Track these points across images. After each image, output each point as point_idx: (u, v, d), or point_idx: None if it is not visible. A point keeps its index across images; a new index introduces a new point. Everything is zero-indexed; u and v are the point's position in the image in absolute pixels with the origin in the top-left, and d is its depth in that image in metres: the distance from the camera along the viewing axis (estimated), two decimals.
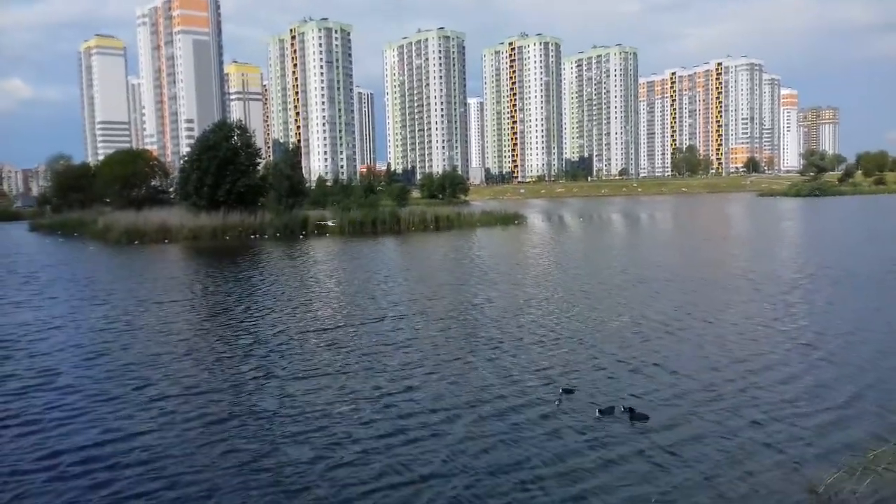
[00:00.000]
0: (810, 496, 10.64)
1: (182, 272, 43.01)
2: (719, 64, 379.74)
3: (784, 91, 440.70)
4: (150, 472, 12.03)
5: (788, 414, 14.34)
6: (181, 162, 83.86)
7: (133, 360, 19.63)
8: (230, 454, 12.72)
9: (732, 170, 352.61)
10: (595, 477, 11.63)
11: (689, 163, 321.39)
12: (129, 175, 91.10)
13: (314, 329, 23.38)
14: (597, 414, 14.29)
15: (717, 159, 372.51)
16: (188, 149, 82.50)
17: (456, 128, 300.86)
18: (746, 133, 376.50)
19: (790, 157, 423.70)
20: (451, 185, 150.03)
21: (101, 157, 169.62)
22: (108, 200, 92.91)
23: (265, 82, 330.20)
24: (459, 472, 11.84)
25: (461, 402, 15.40)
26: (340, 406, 15.21)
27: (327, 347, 20.73)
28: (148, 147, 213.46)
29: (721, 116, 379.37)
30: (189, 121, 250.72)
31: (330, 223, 71.05)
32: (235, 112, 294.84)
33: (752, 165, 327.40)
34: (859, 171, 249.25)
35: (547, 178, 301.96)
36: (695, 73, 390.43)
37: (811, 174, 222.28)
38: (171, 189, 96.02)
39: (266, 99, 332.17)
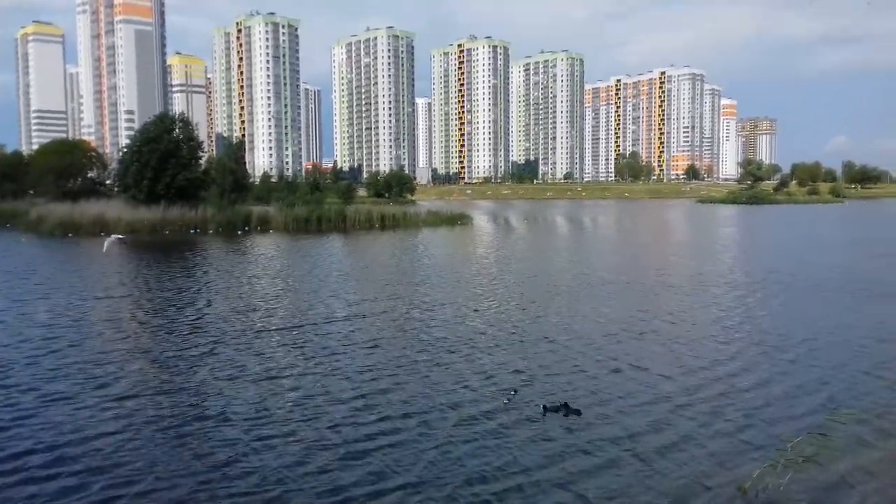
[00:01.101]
0: (738, 492, 10.94)
1: (122, 267, 41.84)
2: (662, 73, 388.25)
3: (724, 101, 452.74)
4: (111, 476, 11.51)
5: (722, 411, 14.78)
6: (120, 153, 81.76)
7: (83, 358, 18.90)
8: (195, 460, 12.21)
9: (673, 176, 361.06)
10: (529, 470, 11.81)
11: (631, 168, 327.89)
12: (65, 165, 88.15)
13: (266, 329, 22.86)
14: (541, 410, 14.50)
15: (659, 166, 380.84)
16: (128, 140, 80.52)
17: (403, 127, 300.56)
18: (687, 141, 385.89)
19: (728, 166, 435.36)
20: (397, 185, 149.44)
21: (35, 147, 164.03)
22: (31, 192, 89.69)
23: (209, 75, 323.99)
24: (412, 470, 11.85)
25: (414, 402, 15.35)
26: (301, 409, 14.85)
27: (282, 348, 20.30)
28: (86, 137, 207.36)
29: (663, 124, 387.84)
30: (129, 112, 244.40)
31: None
32: (178, 104, 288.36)
33: (692, 173, 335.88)
34: (794, 182, 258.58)
35: (493, 180, 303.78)
36: (639, 81, 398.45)
37: (748, 183, 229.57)
38: (108, 181, 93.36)
39: (210, 92, 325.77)
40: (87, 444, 12.80)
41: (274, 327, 23.14)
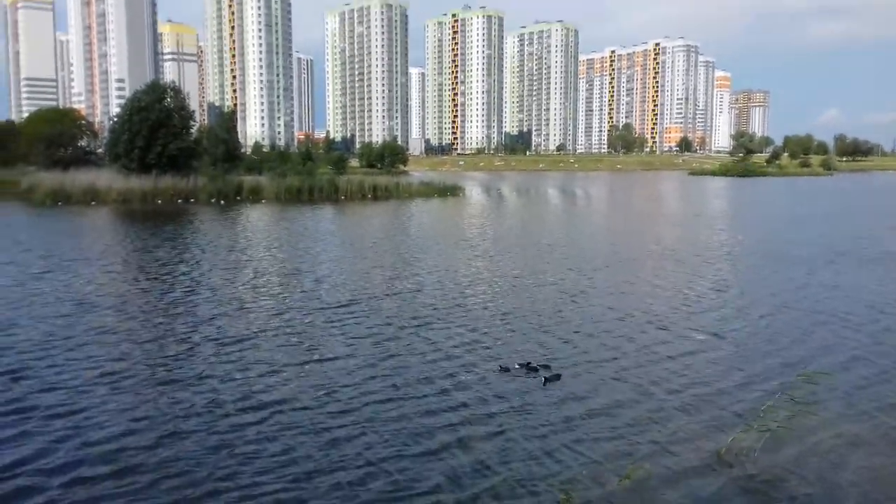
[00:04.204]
0: (715, 458, 11.35)
1: (126, 238, 41.91)
2: (657, 44, 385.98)
3: (718, 73, 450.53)
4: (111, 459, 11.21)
5: (697, 378, 15.31)
6: (111, 123, 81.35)
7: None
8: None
9: (666, 148, 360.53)
10: (512, 428, 12.39)
11: (624, 140, 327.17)
12: (55, 134, 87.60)
13: (271, 312, 21.53)
14: (542, 382, 14.87)
15: (652, 138, 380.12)
16: (118, 109, 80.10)
17: (396, 98, 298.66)
18: (681, 113, 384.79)
19: (721, 138, 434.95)
20: (390, 155, 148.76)
21: (25, 115, 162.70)
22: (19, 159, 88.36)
23: (201, 43, 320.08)
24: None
25: (419, 378, 15.24)
26: (304, 396, 14.09)
27: (280, 334, 18.96)
28: (76, 106, 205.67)
29: (657, 96, 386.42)
30: (120, 80, 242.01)
31: None
32: (169, 73, 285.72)
33: (684, 145, 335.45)
34: (786, 154, 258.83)
35: (486, 151, 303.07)
36: (633, 52, 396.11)
37: (740, 155, 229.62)
38: (99, 150, 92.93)
39: (201, 61, 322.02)
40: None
41: (276, 310, 21.77)
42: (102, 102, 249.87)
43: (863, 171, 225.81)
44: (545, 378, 14.91)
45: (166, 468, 10.89)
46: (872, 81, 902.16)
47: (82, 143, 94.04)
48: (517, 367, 15.58)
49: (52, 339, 17.92)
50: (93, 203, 62.87)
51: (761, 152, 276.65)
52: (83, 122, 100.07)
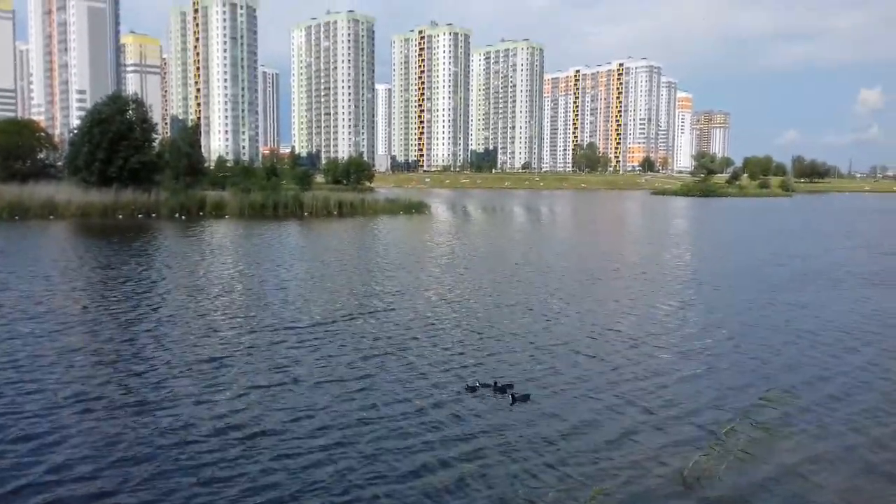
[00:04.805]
0: (680, 479, 11.33)
1: (87, 253, 40.94)
2: (620, 65, 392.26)
3: (680, 94, 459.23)
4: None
5: (665, 398, 15.32)
6: (71, 135, 79.92)
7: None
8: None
9: (629, 168, 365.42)
10: (481, 448, 12.30)
11: (589, 159, 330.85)
12: (13, 146, 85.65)
13: (230, 331, 21.55)
14: (510, 401, 14.81)
15: (616, 157, 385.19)
16: (79, 121, 78.72)
17: (363, 113, 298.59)
18: (643, 133, 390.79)
19: (683, 158, 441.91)
20: (356, 172, 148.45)
21: None
22: None
23: (164, 55, 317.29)
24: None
25: (390, 399, 15.35)
26: (277, 418, 13.84)
27: (251, 354, 18.50)
28: (35, 117, 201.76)
29: (620, 116, 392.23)
30: (81, 91, 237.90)
31: None
32: (131, 85, 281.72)
33: (647, 164, 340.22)
34: (745, 175, 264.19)
35: (452, 169, 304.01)
36: (597, 72, 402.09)
37: (701, 175, 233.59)
38: (59, 163, 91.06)
39: (165, 73, 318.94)
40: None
41: (241, 330, 21.91)
42: (62, 114, 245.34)
43: (820, 192, 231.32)
44: (513, 396, 14.89)
45: (140, 494, 10.59)
46: (830, 104, 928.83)
47: (41, 155, 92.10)
48: (479, 385, 15.52)
49: (18, 360, 17.30)
50: (51, 217, 61.46)
51: (721, 172, 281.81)
52: (42, 133, 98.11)
